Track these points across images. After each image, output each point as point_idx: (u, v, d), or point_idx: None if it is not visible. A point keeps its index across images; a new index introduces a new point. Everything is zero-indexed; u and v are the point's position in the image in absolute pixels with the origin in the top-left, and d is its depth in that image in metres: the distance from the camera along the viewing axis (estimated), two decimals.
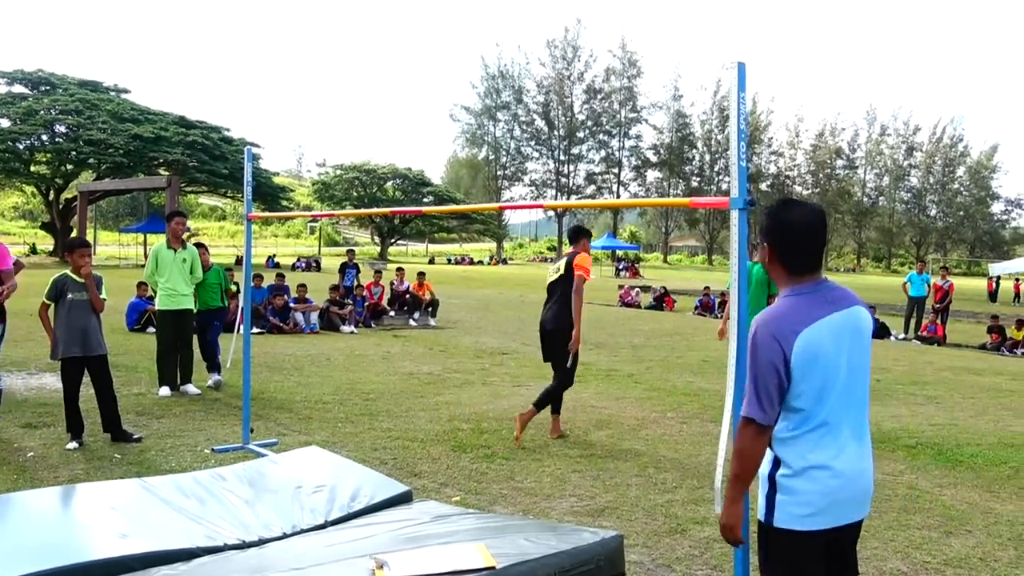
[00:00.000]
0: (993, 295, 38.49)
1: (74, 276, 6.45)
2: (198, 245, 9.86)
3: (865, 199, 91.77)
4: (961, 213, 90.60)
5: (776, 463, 2.54)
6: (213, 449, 6.23)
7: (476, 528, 3.46)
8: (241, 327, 13.75)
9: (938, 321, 19.19)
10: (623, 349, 13.72)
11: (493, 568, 2.90)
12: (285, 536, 3.69)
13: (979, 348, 18.03)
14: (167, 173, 44.31)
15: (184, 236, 8.95)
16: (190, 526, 3.61)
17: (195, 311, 8.91)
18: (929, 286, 19.76)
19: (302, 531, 3.76)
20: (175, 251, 8.70)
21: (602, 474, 5.88)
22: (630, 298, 26.69)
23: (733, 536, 2.62)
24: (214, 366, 9.00)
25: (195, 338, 8.94)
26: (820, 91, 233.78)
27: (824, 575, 2.59)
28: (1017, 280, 40.85)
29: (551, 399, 7.09)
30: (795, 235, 2.55)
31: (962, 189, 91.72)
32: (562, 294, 7.09)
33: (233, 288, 14.70)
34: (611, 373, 10.86)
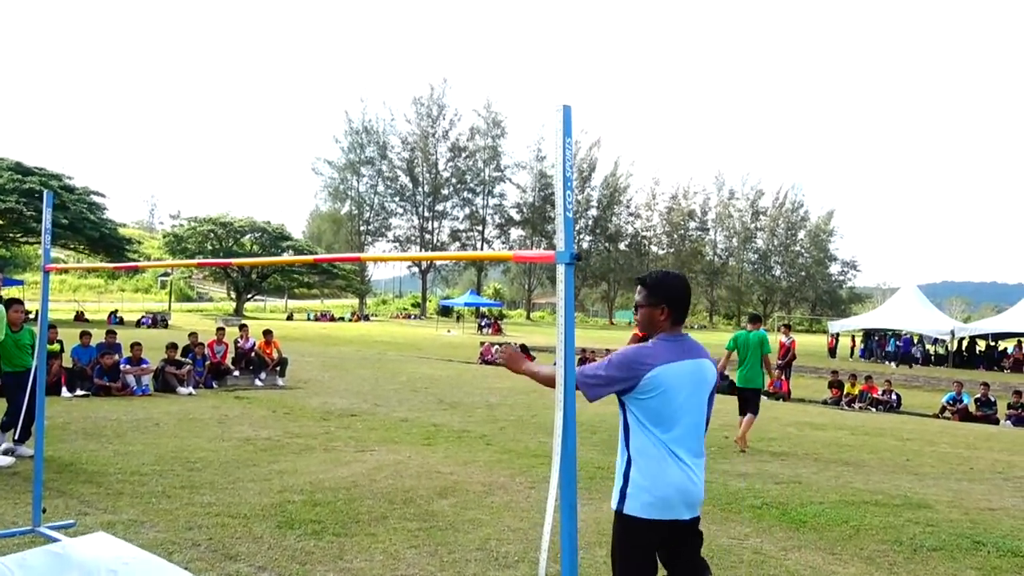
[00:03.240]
0: (832, 351, 40.66)
1: None
2: (12, 301, 8.95)
3: (716, 259, 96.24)
4: (803, 273, 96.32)
5: (629, 463, 3.14)
6: None
7: None
8: (64, 390, 12.67)
9: (782, 377, 19.87)
10: (478, 409, 13.37)
11: None
12: None
13: (821, 403, 18.74)
14: (1, 223, 41.34)
15: None
16: None
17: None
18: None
19: None
20: None
21: (440, 549, 5.44)
22: (491, 355, 26.51)
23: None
24: (21, 433, 8.02)
25: None
26: (675, 156, 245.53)
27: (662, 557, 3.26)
28: (853, 336, 43.40)
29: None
30: (680, 296, 3.30)
31: (803, 251, 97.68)
32: None
33: (57, 347, 13.52)
34: (463, 435, 10.46)
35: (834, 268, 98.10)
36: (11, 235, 42.77)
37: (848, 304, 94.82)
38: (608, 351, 27.31)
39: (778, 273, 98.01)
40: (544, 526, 2.67)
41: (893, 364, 35.62)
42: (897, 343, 38.37)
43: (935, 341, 39.45)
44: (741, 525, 6.36)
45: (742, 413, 10.45)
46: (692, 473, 3.16)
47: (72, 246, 44.45)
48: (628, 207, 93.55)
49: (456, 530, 5.92)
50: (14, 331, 8.35)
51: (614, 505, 3.16)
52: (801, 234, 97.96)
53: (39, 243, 48.79)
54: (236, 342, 16.37)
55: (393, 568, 5.04)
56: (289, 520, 5.99)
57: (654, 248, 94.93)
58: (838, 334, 42.76)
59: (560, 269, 2.71)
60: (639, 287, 3.39)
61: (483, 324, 55.96)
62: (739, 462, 9.15)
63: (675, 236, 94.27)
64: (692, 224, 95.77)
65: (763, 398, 18.54)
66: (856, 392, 19.78)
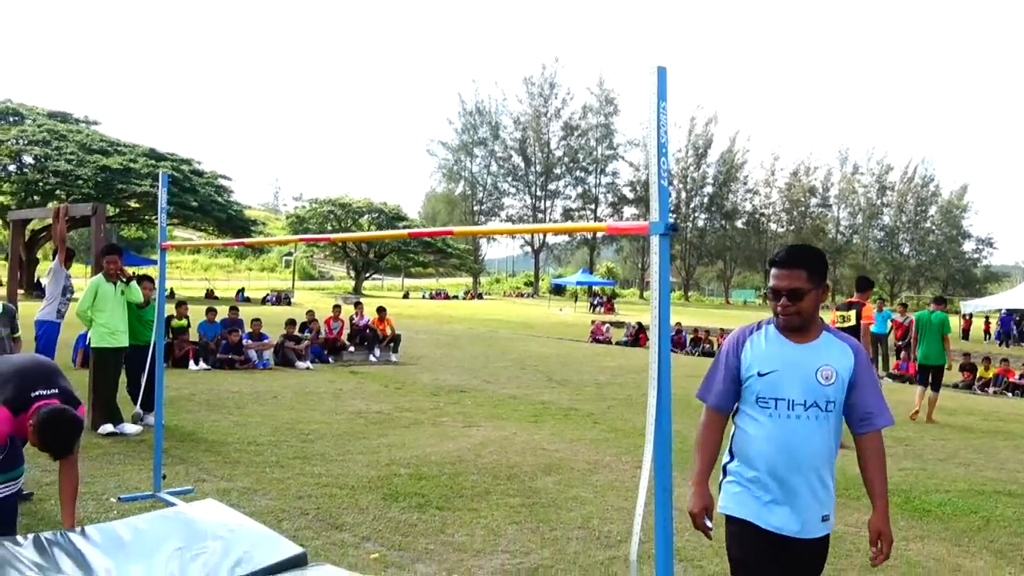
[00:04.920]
0: (966, 332, 38.48)
1: None
2: (144, 278, 9.39)
3: (839, 236, 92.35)
4: (933, 251, 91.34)
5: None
6: (120, 498, 5.69)
7: None
8: (191, 363, 13.28)
9: (910, 359, 18.93)
10: (587, 387, 13.27)
11: None
12: None
13: (951, 387, 17.73)
14: (137, 205, 43.72)
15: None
16: None
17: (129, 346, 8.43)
18: (889, 323, 19.49)
19: None
20: (115, 285, 8.24)
21: (542, 526, 5.40)
22: (602, 334, 26.31)
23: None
24: (143, 403, 8.44)
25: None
26: (795, 132, 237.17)
27: None
28: (988, 317, 40.90)
29: None
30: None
31: (934, 228, 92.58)
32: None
33: (184, 323, 14.18)
34: (570, 412, 10.40)
35: (968, 245, 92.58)
36: (146, 217, 45.15)
37: (983, 283, 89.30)
38: (723, 331, 26.51)
39: (906, 251, 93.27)
40: (637, 507, 2.59)
41: None
42: None
43: None
44: (859, 513, 6.05)
45: (924, 386, 11.47)
46: None
47: (202, 227, 46.58)
48: (745, 183, 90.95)
49: (559, 507, 5.87)
50: (140, 308, 8.76)
51: (830, 527, 2.94)
52: (932, 210, 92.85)
53: (171, 224, 51.47)
54: (352, 319, 16.79)
55: (494, 543, 5.03)
56: (394, 493, 6.07)
57: (772, 226, 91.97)
58: (971, 314, 40.37)
59: (654, 240, 2.59)
60: (798, 270, 2.82)
61: (595, 303, 55.64)
62: None
63: (795, 213, 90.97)
64: (813, 200, 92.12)
65: (887, 379, 17.82)
66: (990, 376, 18.61)
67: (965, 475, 7.60)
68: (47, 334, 8.75)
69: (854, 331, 9.20)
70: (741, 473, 2.88)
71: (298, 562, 3.65)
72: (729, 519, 2.90)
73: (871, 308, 9.70)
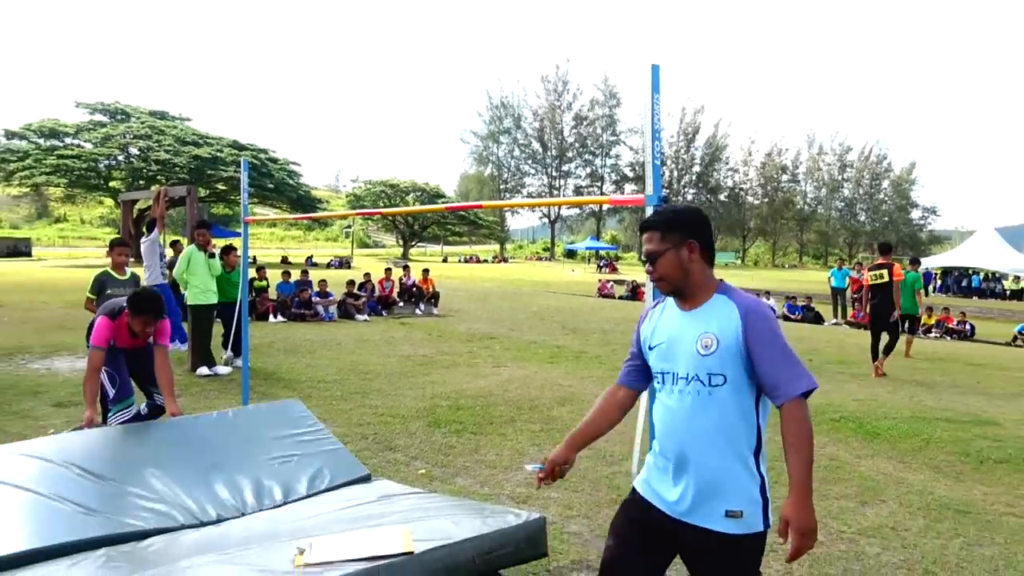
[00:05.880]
0: None
1: (113, 273, 6.04)
2: (230, 248, 9.48)
3: (806, 207, 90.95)
4: (886, 219, 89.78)
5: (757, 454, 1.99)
6: None
7: (412, 509, 3.02)
8: (271, 317, 13.40)
9: (865, 308, 18.74)
10: (594, 334, 13.26)
11: (411, 553, 2.48)
12: (242, 515, 3.26)
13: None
14: (223, 187, 43.90)
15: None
16: (148, 505, 3.17)
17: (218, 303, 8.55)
18: (847, 279, 19.28)
19: (259, 510, 3.31)
20: (205, 253, 8.33)
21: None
22: (607, 290, 26.22)
23: (815, 538, 1.90)
24: (233, 348, 8.58)
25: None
26: (769, 119, 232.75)
27: None
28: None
29: (890, 350, 9.55)
30: (709, 231, 2.14)
31: (886, 199, 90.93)
32: (886, 292, 9.51)
33: (264, 284, 14.32)
34: (580, 355, 10.42)
35: (915, 213, 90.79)
36: (231, 197, 45.34)
37: (928, 246, 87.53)
38: None
39: (863, 219, 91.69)
40: (636, 431, 2.61)
41: (976, 299, 32.86)
42: (977, 281, 35.38)
43: (1015, 278, 36.10)
44: (819, 436, 6.05)
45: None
46: None
47: (277, 205, 46.67)
48: (727, 163, 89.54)
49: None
50: (228, 271, 8.87)
51: (757, 527, 1.97)
52: (885, 183, 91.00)
53: (251, 202, 51.69)
54: (401, 279, 16.85)
55: (518, 461, 5.09)
56: (437, 421, 6.15)
57: (750, 198, 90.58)
58: None
59: (649, 211, 2.57)
60: (650, 231, 2.17)
61: (601, 264, 55.38)
62: (821, 381, 8.65)
63: (768, 188, 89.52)
64: (784, 177, 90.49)
65: (845, 327, 17.65)
66: (932, 322, 18.38)
67: (909, 404, 7.55)
68: (165, 297, 8.90)
69: (888, 287, 9.42)
70: (652, 448, 2.19)
71: (364, 479, 3.71)
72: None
73: (899, 267, 9.65)
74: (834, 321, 18.64)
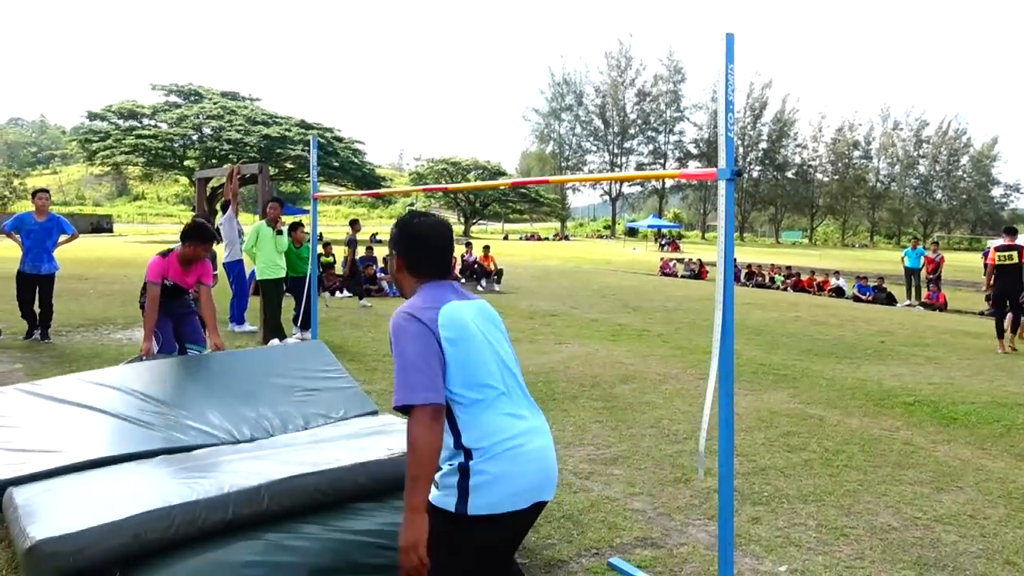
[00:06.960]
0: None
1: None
2: (298, 224, 9.69)
3: (879, 185, 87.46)
4: (964, 197, 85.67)
5: (460, 448, 1.94)
6: None
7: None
8: (341, 292, 13.69)
9: (939, 289, 17.98)
10: (657, 312, 13.10)
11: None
12: (270, 436, 3.80)
13: (978, 314, 16.75)
14: (291, 166, 44.93)
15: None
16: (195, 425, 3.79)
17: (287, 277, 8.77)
18: (922, 259, 18.49)
19: (284, 433, 3.87)
20: (273, 229, 8.53)
21: (620, 425, 5.43)
22: (669, 269, 25.88)
23: (420, 558, 1.81)
24: (303, 323, 8.79)
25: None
26: (841, 94, 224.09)
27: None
28: None
29: (1017, 325, 9.76)
30: (423, 245, 2.13)
31: (965, 176, 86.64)
32: (1014, 273, 9.68)
33: (331, 259, 14.62)
34: (643, 333, 10.31)
35: (996, 191, 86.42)
36: (299, 176, 46.38)
37: (1011, 225, 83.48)
38: (773, 266, 25.69)
39: (939, 196, 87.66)
40: (704, 409, 2.57)
41: None
42: None
43: None
44: (893, 419, 5.85)
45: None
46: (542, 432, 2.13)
47: (342, 184, 47.57)
48: (795, 139, 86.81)
49: (634, 410, 5.87)
50: (297, 247, 9.08)
51: (450, 507, 1.93)
52: (964, 160, 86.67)
53: (319, 180, 52.79)
54: (463, 256, 16.96)
55: (581, 438, 5.09)
56: None
57: (819, 176, 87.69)
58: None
59: (721, 185, 2.51)
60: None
61: (663, 243, 54.59)
62: (894, 364, 8.40)
63: (839, 164, 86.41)
64: (856, 153, 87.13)
65: (919, 308, 16.96)
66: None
67: (989, 389, 7.21)
68: (239, 274, 9.19)
69: (1016, 268, 9.68)
70: None
71: (372, 413, 4.23)
72: None
73: None
74: (908, 303, 17.93)
